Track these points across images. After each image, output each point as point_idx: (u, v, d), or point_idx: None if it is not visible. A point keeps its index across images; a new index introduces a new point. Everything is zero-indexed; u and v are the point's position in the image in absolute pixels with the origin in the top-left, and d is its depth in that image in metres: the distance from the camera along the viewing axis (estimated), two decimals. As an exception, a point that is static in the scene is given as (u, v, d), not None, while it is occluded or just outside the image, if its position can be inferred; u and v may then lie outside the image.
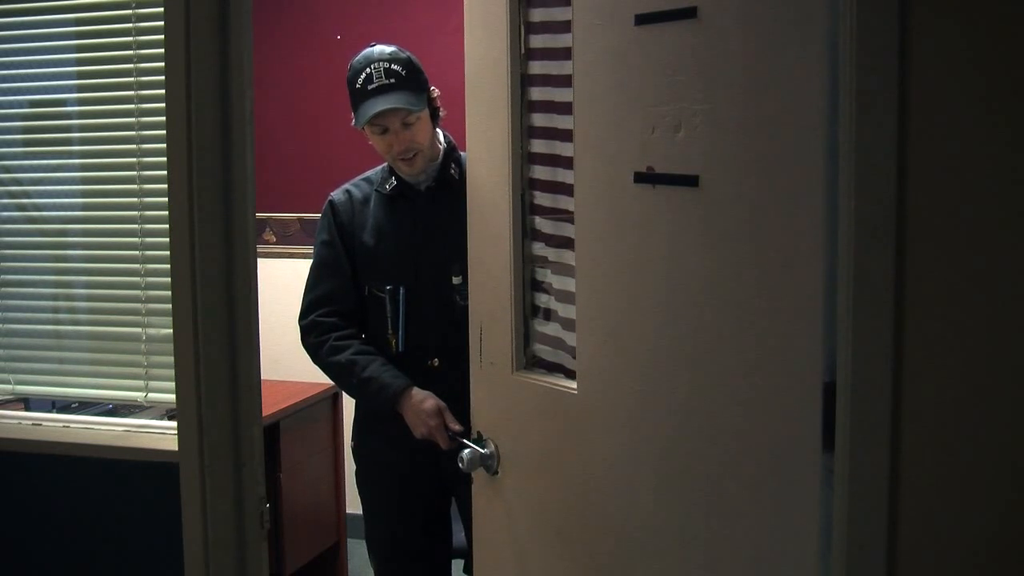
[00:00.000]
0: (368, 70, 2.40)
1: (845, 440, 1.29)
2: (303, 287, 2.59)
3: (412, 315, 2.48)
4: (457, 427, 2.32)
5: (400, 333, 2.48)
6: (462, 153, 2.48)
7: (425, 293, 2.48)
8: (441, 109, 2.52)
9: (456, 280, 2.42)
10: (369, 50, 2.44)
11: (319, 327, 2.52)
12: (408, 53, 2.44)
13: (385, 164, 2.56)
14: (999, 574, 1.26)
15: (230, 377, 1.93)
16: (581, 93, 1.69)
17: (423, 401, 2.39)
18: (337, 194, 2.58)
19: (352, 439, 2.67)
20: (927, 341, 1.25)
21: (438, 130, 2.53)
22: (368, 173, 2.60)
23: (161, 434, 2.22)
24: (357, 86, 2.41)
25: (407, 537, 2.59)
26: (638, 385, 1.61)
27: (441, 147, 2.53)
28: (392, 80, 2.38)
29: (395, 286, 2.47)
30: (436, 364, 2.48)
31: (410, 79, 2.41)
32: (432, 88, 2.47)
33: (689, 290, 1.50)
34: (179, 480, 1.97)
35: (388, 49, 2.43)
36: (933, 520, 1.27)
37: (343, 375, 2.51)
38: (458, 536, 2.74)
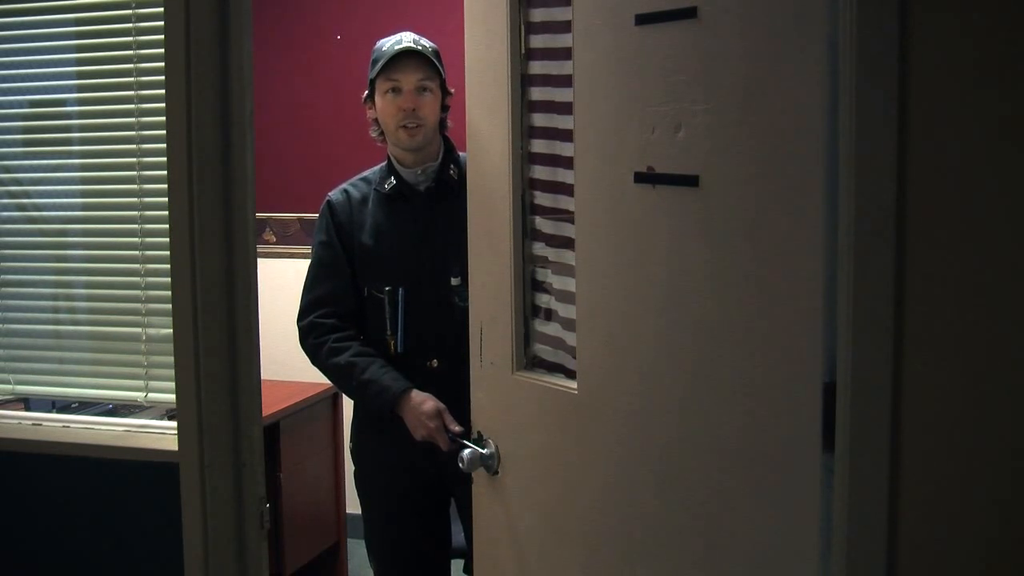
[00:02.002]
0: (398, 36, 2.48)
1: (845, 440, 1.29)
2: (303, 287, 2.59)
3: (411, 316, 2.47)
4: (457, 428, 2.32)
5: (399, 334, 2.47)
6: (461, 154, 2.49)
7: (424, 294, 2.47)
8: (449, 121, 2.53)
9: (455, 282, 2.42)
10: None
11: (318, 328, 2.51)
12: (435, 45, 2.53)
13: (384, 164, 2.55)
14: (999, 574, 1.26)
15: (230, 377, 1.93)
16: (581, 93, 1.69)
17: (423, 403, 2.38)
18: (335, 194, 2.57)
19: (351, 440, 2.67)
20: (927, 341, 1.25)
21: (439, 133, 2.53)
22: (366, 173, 2.60)
23: (161, 434, 2.22)
24: (384, 48, 2.46)
25: (407, 538, 2.59)
26: (638, 385, 1.61)
27: (441, 148, 2.53)
28: (419, 48, 2.45)
29: (394, 287, 2.47)
30: (435, 365, 2.48)
31: (435, 56, 2.48)
32: (450, 88, 2.51)
33: (689, 290, 1.50)
34: (179, 480, 1.97)
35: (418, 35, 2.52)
36: (933, 520, 1.27)
37: (343, 377, 2.50)
38: (458, 536, 2.74)
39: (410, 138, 2.45)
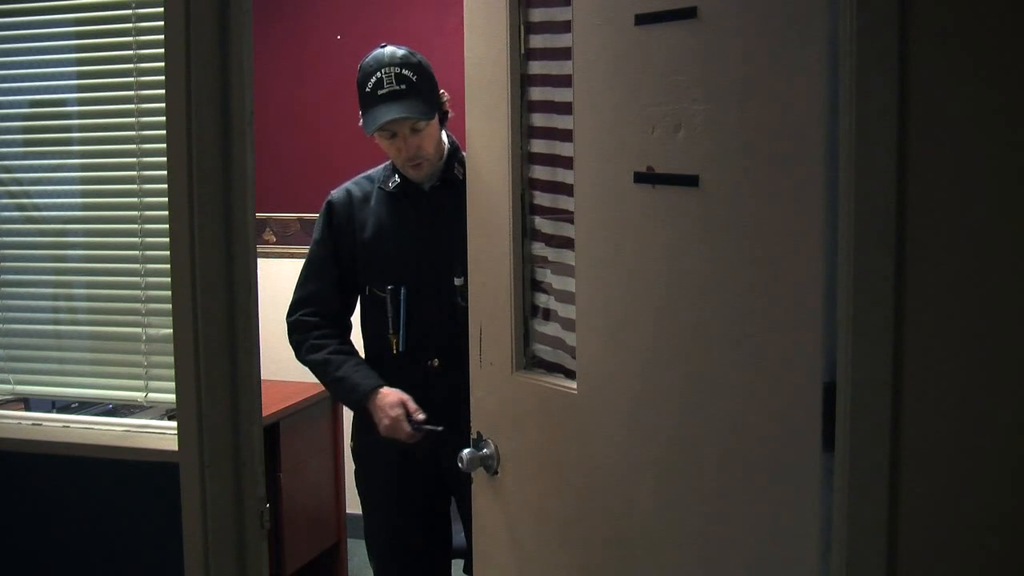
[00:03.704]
0: (379, 74, 2.37)
1: (845, 440, 1.29)
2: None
3: (413, 315, 2.47)
4: (421, 416, 2.36)
5: (401, 333, 2.47)
6: (464, 153, 2.48)
7: (426, 293, 2.47)
8: (450, 112, 2.51)
9: (458, 282, 2.41)
10: (380, 51, 2.42)
11: (302, 326, 2.57)
12: (419, 57, 2.43)
13: (388, 162, 2.55)
14: (999, 574, 1.26)
15: (230, 377, 1.93)
16: (581, 93, 1.68)
17: (387, 395, 2.43)
18: (336, 193, 2.57)
19: (351, 440, 2.67)
20: (927, 341, 1.25)
21: (442, 131, 2.52)
22: (370, 171, 2.60)
23: (161, 434, 2.22)
24: (367, 90, 2.39)
25: (407, 536, 2.59)
26: (638, 385, 1.61)
27: (445, 147, 2.52)
28: (403, 86, 2.36)
29: (396, 286, 2.47)
30: (436, 364, 2.48)
31: (421, 85, 2.39)
32: (442, 92, 2.47)
33: (689, 290, 1.50)
34: (179, 480, 1.97)
35: (400, 52, 2.40)
36: (933, 520, 1.27)
37: (320, 374, 2.57)
38: (458, 536, 2.74)
39: (417, 172, 2.46)
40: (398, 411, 2.39)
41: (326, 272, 2.56)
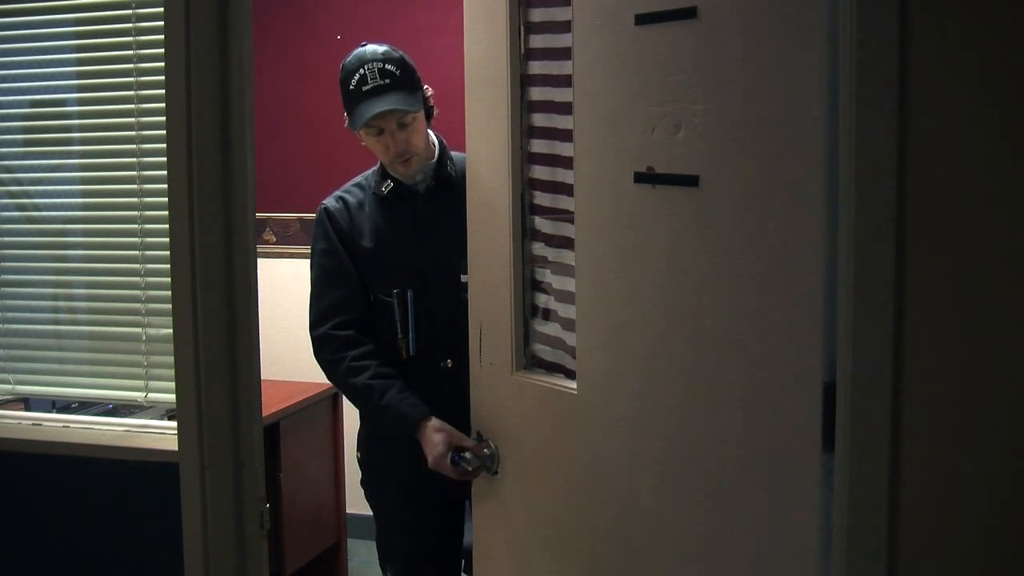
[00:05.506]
0: (362, 71, 2.37)
1: (845, 440, 1.29)
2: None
3: (421, 318, 2.45)
4: (466, 451, 2.20)
5: (411, 337, 2.44)
6: (453, 153, 2.47)
7: (433, 294, 2.45)
8: (435, 108, 2.50)
9: (465, 278, 2.38)
10: (361, 50, 2.41)
11: (333, 342, 2.44)
12: (400, 52, 2.42)
13: (376, 167, 2.52)
14: (999, 574, 1.26)
15: (230, 377, 1.93)
16: (581, 93, 1.69)
17: (434, 429, 2.30)
18: (330, 201, 2.51)
19: (358, 450, 2.63)
20: (927, 341, 1.25)
21: (429, 130, 2.50)
22: (357, 179, 2.55)
23: (161, 434, 2.22)
24: (351, 87, 2.38)
25: (424, 543, 2.56)
26: (638, 385, 1.61)
27: (435, 147, 2.51)
28: (387, 81, 2.35)
29: (402, 290, 2.44)
30: (450, 365, 2.44)
31: (404, 79, 2.38)
32: (426, 87, 2.46)
33: (689, 290, 1.50)
34: (179, 480, 1.97)
35: (380, 49, 2.40)
36: (933, 520, 1.27)
37: (360, 399, 2.46)
38: (467, 537, 2.72)
39: (406, 169, 2.43)
40: (440, 449, 2.25)
41: (346, 276, 2.45)
